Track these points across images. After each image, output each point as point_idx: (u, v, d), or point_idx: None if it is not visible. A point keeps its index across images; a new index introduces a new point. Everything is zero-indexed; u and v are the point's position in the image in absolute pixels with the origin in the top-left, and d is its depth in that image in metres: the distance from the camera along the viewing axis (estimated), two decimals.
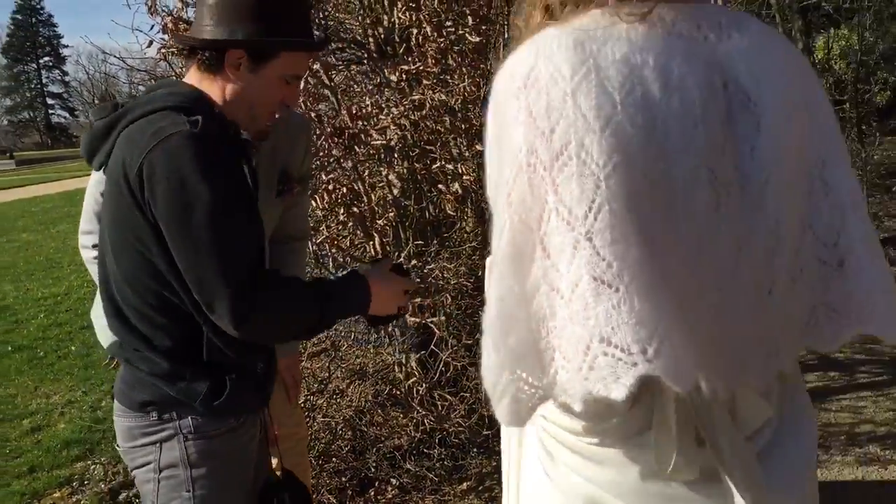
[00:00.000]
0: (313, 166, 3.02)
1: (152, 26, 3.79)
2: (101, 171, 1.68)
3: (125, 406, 1.69)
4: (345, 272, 1.80)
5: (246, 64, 1.66)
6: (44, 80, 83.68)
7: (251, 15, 1.65)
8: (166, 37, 3.64)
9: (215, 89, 1.69)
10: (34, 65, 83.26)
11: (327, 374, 3.87)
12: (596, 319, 0.86)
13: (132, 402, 1.67)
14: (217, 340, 1.61)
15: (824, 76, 7.92)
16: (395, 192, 3.69)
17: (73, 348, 6.30)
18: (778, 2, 7.98)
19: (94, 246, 2.31)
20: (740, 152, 0.95)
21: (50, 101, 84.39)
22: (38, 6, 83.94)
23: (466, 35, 3.43)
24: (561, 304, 0.90)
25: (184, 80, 1.74)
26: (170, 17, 3.61)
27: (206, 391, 1.62)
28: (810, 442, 1.13)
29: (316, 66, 3.40)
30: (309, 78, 3.42)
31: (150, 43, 3.83)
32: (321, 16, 3.43)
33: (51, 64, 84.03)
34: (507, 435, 1.32)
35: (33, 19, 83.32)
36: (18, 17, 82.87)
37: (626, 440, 1.03)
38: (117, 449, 1.77)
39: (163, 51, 3.69)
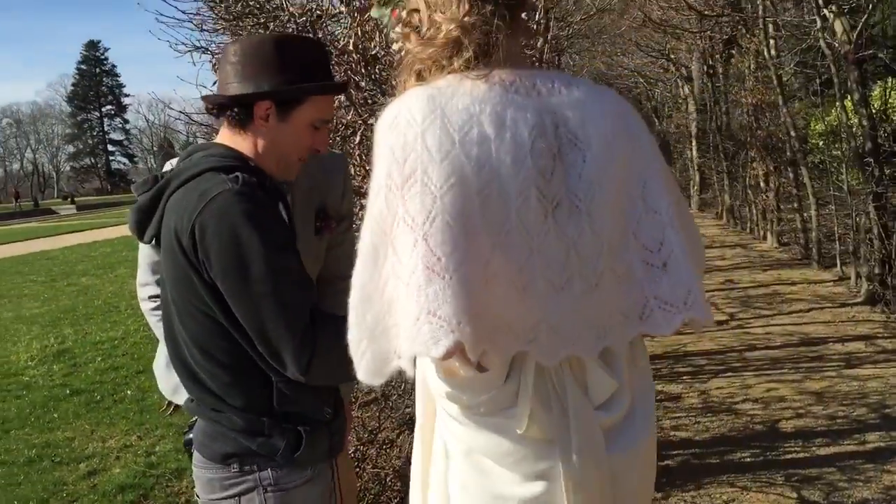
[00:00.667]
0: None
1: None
2: (153, 243, 1.73)
3: (206, 458, 1.72)
4: None
5: (274, 114, 1.72)
6: (105, 128, 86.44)
7: (275, 67, 1.71)
8: None
9: (247, 144, 1.74)
10: (97, 113, 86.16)
11: (377, 424, 3.87)
12: (426, 298, 1.11)
13: (213, 454, 1.69)
14: (286, 389, 1.64)
15: (882, 126, 7.80)
16: None
17: (128, 392, 6.40)
18: (833, 53, 7.91)
19: (150, 297, 2.37)
20: (570, 177, 1.23)
21: (111, 148, 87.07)
22: (103, 57, 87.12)
23: None
24: (402, 288, 1.15)
25: (216, 139, 1.80)
26: None
27: (284, 445, 1.64)
28: (652, 417, 1.38)
29: (372, 122, 3.47)
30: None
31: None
32: (376, 72, 3.50)
33: (112, 112, 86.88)
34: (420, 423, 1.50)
35: (97, 69, 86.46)
36: (83, 67, 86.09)
37: (499, 412, 1.28)
38: (197, 500, 1.80)
39: None
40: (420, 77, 1.32)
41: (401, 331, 1.15)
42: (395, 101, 1.26)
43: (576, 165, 1.24)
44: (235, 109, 1.72)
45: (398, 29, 1.43)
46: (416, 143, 1.19)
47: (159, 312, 2.18)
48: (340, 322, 1.66)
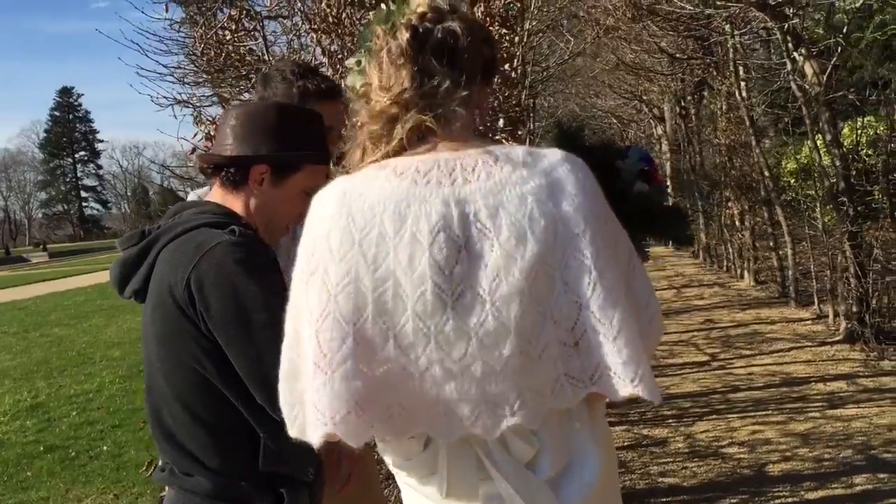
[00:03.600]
0: None
1: (195, 133, 3.92)
2: (133, 298, 1.70)
3: None
4: None
5: (269, 178, 1.73)
6: (78, 174, 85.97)
7: (274, 133, 1.73)
8: (209, 144, 3.74)
9: (238, 204, 1.74)
10: (70, 159, 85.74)
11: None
12: (313, 389, 1.25)
13: None
14: (274, 446, 1.60)
15: (853, 165, 7.92)
16: None
17: (104, 448, 6.26)
18: (804, 94, 8.05)
19: None
20: (476, 268, 1.25)
21: (84, 194, 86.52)
22: (77, 103, 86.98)
23: None
24: (305, 375, 1.28)
25: (207, 197, 1.79)
26: (214, 126, 3.72)
27: None
28: (595, 471, 1.41)
29: None
30: None
31: (194, 150, 3.95)
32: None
33: (86, 158, 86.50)
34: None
35: (70, 116, 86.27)
36: (56, 113, 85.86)
37: (424, 476, 1.39)
38: None
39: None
40: (364, 152, 1.38)
41: (302, 410, 1.31)
42: (321, 189, 1.35)
43: (483, 255, 1.26)
44: (231, 170, 1.73)
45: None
46: (322, 240, 1.29)
47: None
48: None
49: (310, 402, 1.26)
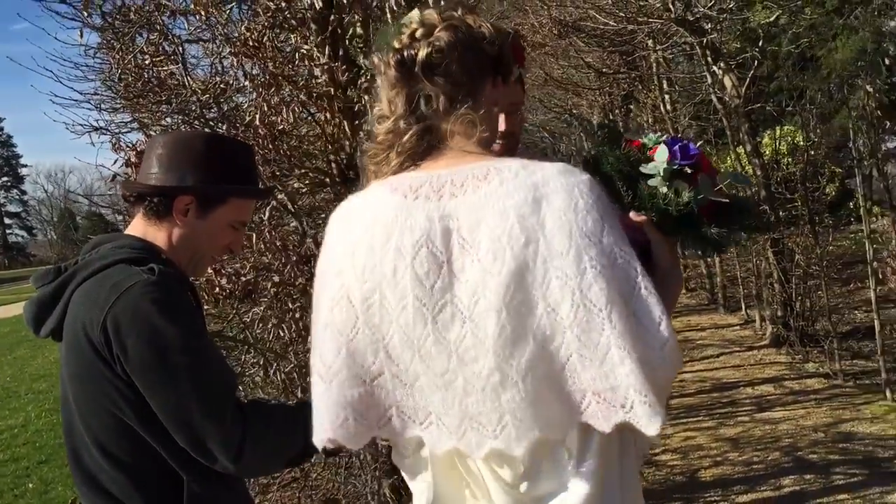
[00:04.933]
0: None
1: (115, 160, 3.83)
2: (50, 337, 1.65)
3: None
4: None
5: (194, 210, 1.68)
6: (1, 200, 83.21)
7: (201, 163, 1.68)
8: (129, 171, 3.67)
9: (161, 235, 1.69)
10: None
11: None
12: (317, 398, 1.32)
13: None
14: (199, 489, 1.56)
15: (774, 174, 8.17)
16: None
17: (30, 486, 6.05)
18: (724, 106, 8.29)
19: None
20: (457, 282, 1.25)
21: (7, 221, 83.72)
22: None
23: None
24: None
25: (127, 229, 1.74)
26: (133, 152, 3.65)
27: None
28: (585, 495, 1.30)
29: (281, 196, 3.44)
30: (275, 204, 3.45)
31: (115, 177, 3.87)
32: (285, 147, 3.48)
33: (9, 184, 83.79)
34: None
35: None
36: None
37: (414, 478, 1.42)
38: None
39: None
40: (375, 173, 1.42)
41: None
42: (341, 203, 1.42)
43: (465, 270, 1.25)
44: (155, 200, 1.68)
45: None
46: (327, 255, 1.36)
47: None
48: (274, 410, 1.62)
49: (314, 409, 1.34)
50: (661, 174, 1.47)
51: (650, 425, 1.18)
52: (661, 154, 1.49)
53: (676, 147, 1.51)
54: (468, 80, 1.35)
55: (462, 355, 1.24)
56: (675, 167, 1.48)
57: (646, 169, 1.49)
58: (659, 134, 1.56)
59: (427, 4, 2.70)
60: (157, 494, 1.57)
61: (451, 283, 1.25)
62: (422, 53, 1.33)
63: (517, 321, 1.22)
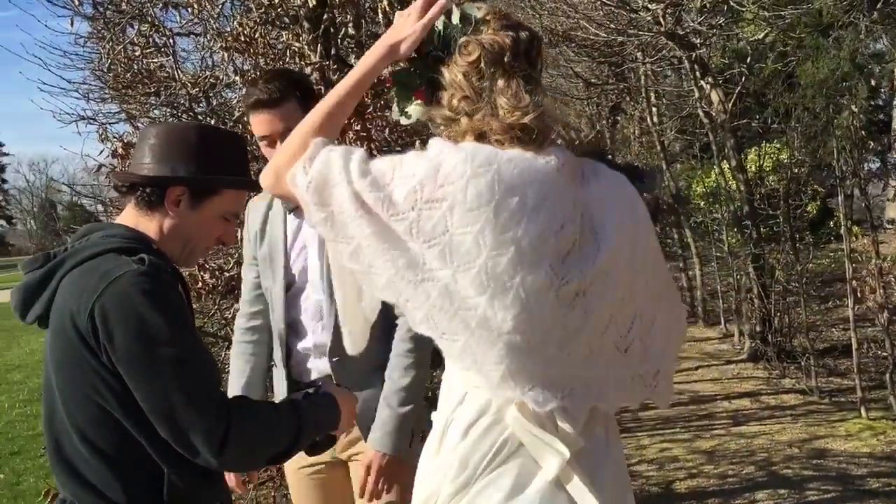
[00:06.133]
0: None
1: (101, 150, 3.81)
2: (36, 324, 1.64)
3: None
4: (312, 389, 1.75)
5: (186, 201, 1.68)
6: None
7: (194, 154, 1.68)
8: (115, 161, 3.65)
9: (152, 226, 1.68)
10: None
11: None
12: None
13: None
14: (179, 482, 1.55)
15: (757, 190, 8.23)
16: None
17: (1, 476, 5.97)
18: (711, 121, 8.36)
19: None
20: (584, 264, 1.39)
21: None
22: None
23: None
24: None
25: (118, 219, 1.73)
26: (120, 143, 3.63)
27: None
28: (615, 471, 1.56)
29: None
30: None
31: (100, 167, 3.85)
32: None
33: None
34: None
35: None
36: None
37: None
38: None
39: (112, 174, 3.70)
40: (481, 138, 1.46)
41: None
42: (453, 144, 1.43)
43: (590, 255, 1.41)
44: (147, 190, 1.67)
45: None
46: (459, 179, 1.36)
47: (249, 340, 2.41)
48: (260, 405, 1.62)
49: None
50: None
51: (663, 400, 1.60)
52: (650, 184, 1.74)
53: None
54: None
55: (567, 326, 1.41)
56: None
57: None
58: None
59: None
60: (137, 485, 1.56)
61: (578, 263, 1.41)
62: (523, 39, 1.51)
63: (625, 304, 1.47)
